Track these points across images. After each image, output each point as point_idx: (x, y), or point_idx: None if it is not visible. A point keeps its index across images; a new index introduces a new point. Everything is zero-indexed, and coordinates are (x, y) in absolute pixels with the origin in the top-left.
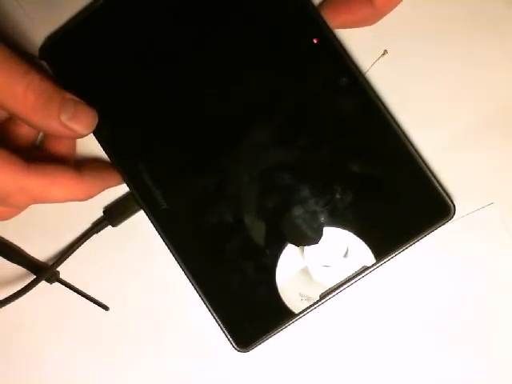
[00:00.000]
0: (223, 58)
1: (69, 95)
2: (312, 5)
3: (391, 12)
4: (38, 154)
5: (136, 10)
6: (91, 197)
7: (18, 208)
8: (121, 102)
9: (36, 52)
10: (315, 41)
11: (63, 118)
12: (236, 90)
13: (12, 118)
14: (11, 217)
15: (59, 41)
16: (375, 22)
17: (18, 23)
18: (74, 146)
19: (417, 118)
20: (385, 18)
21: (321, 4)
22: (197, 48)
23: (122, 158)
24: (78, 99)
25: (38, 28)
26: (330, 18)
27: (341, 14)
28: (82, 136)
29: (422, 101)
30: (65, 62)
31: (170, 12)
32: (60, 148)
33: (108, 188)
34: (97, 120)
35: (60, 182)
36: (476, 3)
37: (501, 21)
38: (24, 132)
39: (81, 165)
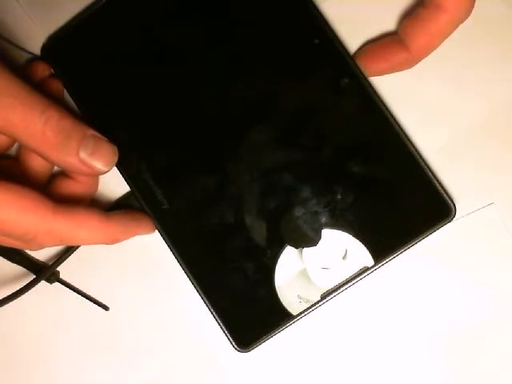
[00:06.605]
0: (225, 58)
1: (90, 131)
2: (313, 5)
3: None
4: (56, 190)
5: (138, 10)
6: (118, 242)
7: (44, 247)
8: (122, 101)
9: (35, 52)
10: (316, 41)
11: (82, 154)
12: (237, 91)
13: (26, 149)
14: (36, 250)
15: (61, 40)
16: (411, 67)
17: (18, 23)
18: (95, 182)
19: (417, 118)
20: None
21: (356, 52)
22: (199, 48)
23: (124, 157)
24: (98, 135)
25: (38, 28)
26: (366, 67)
27: (377, 62)
28: (101, 173)
29: (422, 101)
30: (67, 61)
31: (172, 12)
32: (79, 183)
33: (137, 235)
34: (117, 157)
35: (87, 224)
36: (476, 3)
37: (501, 21)
38: (39, 165)
39: (110, 210)
